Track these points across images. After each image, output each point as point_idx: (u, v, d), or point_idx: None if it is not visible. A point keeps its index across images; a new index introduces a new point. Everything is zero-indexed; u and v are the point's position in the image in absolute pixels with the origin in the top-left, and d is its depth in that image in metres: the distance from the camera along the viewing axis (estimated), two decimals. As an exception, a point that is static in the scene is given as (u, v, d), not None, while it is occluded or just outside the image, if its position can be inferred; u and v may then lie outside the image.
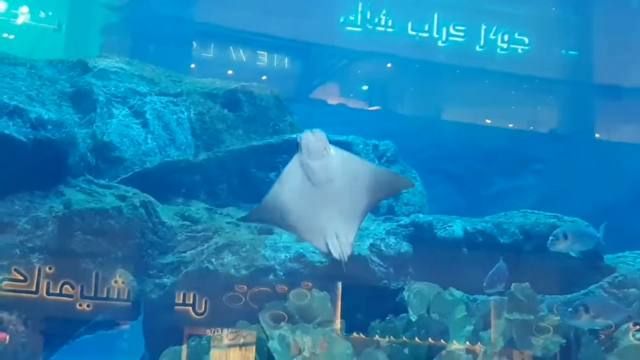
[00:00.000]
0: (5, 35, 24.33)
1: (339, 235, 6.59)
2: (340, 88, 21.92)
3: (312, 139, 6.18)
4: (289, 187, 6.48)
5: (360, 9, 21.08)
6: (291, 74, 21.68)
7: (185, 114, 10.58)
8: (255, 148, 10.56)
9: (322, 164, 6.26)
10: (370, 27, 20.89)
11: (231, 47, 21.35)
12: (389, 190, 6.85)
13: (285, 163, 10.04)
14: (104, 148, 9.90)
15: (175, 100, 10.72)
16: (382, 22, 20.92)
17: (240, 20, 19.96)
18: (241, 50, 21.49)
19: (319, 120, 17.41)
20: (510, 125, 20.30)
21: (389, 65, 21.66)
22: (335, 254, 6.61)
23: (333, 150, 6.31)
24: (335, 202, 6.48)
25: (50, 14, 24.18)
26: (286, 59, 21.77)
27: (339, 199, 6.47)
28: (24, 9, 24.52)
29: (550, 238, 8.46)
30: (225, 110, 10.96)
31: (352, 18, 21.16)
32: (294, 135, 10.65)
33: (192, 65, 20.86)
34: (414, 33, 21.28)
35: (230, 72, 21.33)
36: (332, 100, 21.26)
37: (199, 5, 19.92)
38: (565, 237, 8.45)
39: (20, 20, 24.68)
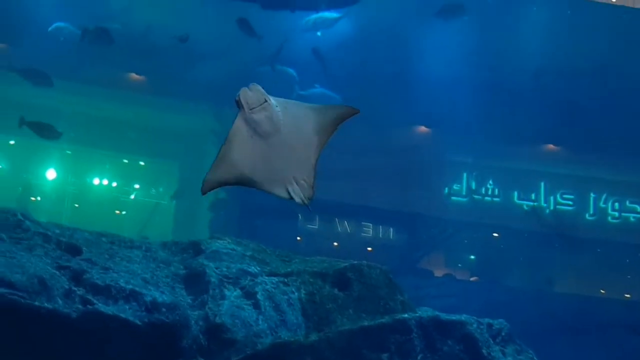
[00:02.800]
0: (117, 211, 25.37)
1: (297, 180, 6.50)
2: (445, 258, 21.76)
3: (250, 93, 6.11)
4: (237, 145, 6.35)
5: (465, 179, 21.19)
6: (396, 245, 21.67)
7: (296, 294, 10.57)
8: (366, 328, 10.40)
9: (266, 115, 6.18)
10: (477, 197, 20.88)
11: (336, 219, 21.58)
12: (334, 123, 6.49)
13: (397, 343, 9.94)
14: (216, 330, 9.90)
15: (286, 280, 10.76)
16: (489, 192, 20.90)
17: (346, 193, 20.23)
18: (346, 222, 21.67)
19: (425, 292, 17.30)
20: (627, 296, 19.64)
21: (495, 234, 21.48)
22: (298, 199, 6.49)
23: (273, 100, 6.22)
24: (287, 149, 6.37)
25: (160, 190, 25.19)
26: (391, 230, 21.82)
27: (290, 145, 6.36)
28: (137, 185, 25.65)
29: None
30: (335, 290, 10.92)
31: (457, 188, 21.24)
32: (406, 315, 10.53)
33: (298, 238, 21.15)
34: (520, 202, 21.19)
35: (335, 244, 21.52)
36: (438, 272, 21.08)
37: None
38: None
39: (132, 197, 25.77)
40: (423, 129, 21.79)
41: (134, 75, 21.82)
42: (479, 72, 19.18)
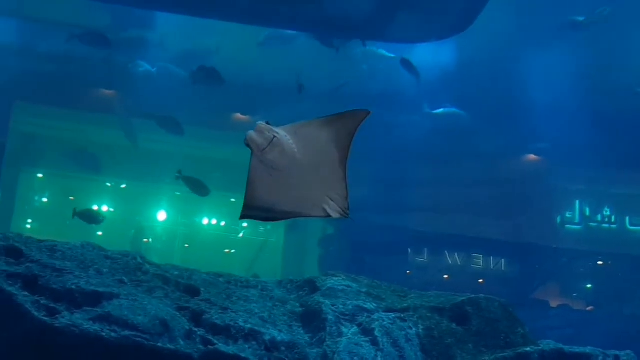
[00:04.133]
0: (227, 250, 25.75)
1: (331, 196, 6.38)
2: (561, 288, 21.24)
3: (256, 135, 5.97)
4: (259, 186, 6.25)
5: (578, 206, 20.70)
6: (508, 277, 21.28)
7: (414, 329, 10.45)
8: (488, 363, 10.22)
9: (279, 151, 6.04)
10: (592, 224, 20.35)
11: (446, 252, 21.35)
12: (350, 132, 6.28)
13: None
14: (334, 367, 9.88)
15: (403, 315, 10.66)
16: (605, 219, 20.35)
17: (456, 224, 20.03)
18: (456, 254, 21.43)
19: (541, 324, 16.88)
20: None
21: (610, 262, 20.88)
22: (336, 214, 6.39)
23: (281, 130, 6.08)
24: (311, 172, 6.25)
25: (268, 227, 25.45)
26: (502, 261, 21.46)
27: (312, 167, 6.24)
28: (245, 224, 25.99)
29: None
30: (453, 324, 10.76)
31: (569, 216, 20.76)
32: (528, 348, 10.28)
33: (408, 272, 21.00)
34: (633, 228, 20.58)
35: (445, 276, 21.28)
36: (554, 302, 20.58)
37: (414, 216, 20.17)
38: None
39: (241, 235, 26.12)
40: (533, 157, 21.45)
41: (238, 115, 22.20)
42: (590, 96, 18.78)
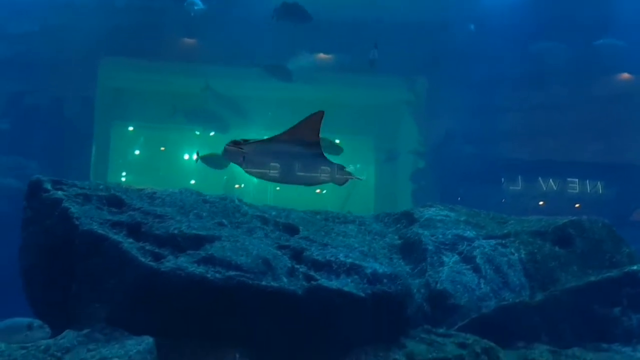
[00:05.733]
0: (317, 191, 25.85)
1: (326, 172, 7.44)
2: (662, 208, 20.70)
3: (228, 156, 7.19)
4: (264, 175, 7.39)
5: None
6: (606, 199, 20.83)
7: (516, 255, 10.34)
8: (595, 284, 10.05)
9: (256, 171, 7.21)
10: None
11: (539, 178, 20.98)
12: (312, 133, 7.29)
13: (629, 296, 9.53)
14: (438, 296, 9.87)
15: (503, 242, 10.55)
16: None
17: (549, 150, 19.65)
18: (550, 180, 21.03)
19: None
20: None
21: None
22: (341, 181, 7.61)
23: (249, 146, 7.12)
24: (295, 168, 7.29)
25: (358, 166, 25.45)
26: (599, 184, 21.00)
27: (296, 165, 7.33)
28: (335, 164, 26.02)
29: None
30: (556, 247, 10.60)
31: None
32: (635, 267, 10.08)
33: (502, 200, 20.74)
34: None
35: (541, 203, 20.94)
36: (654, 223, 20.11)
37: (507, 143, 19.84)
38: None
39: (331, 175, 26.18)
40: (626, 75, 20.77)
41: (321, 55, 22.05)
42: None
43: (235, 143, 7.62)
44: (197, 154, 18.00)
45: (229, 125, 22.05)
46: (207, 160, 17.92)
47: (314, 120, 7.44)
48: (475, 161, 19.66)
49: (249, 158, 7.42)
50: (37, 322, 9.24)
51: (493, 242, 10.56)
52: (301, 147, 7.28)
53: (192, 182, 24.31)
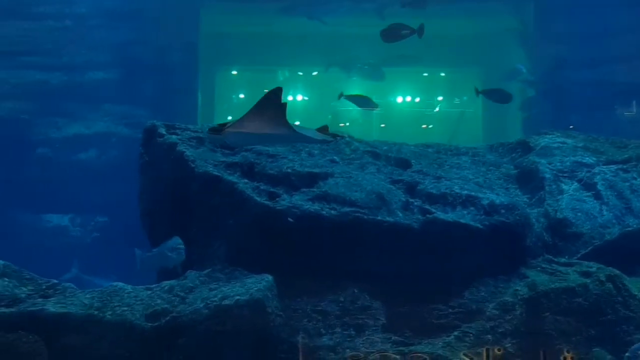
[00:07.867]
0: (424, 126, 25.57)
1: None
2: None
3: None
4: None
5: None
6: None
7: (638, 179, 9.99)
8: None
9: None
10: None
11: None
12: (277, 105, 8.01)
13: None
14: (558, 225, 9.63)
15: (625, 167, 10.19)
16: None
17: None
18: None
19: None
20: None
21: None
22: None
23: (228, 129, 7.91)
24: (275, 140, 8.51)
25: (464, 98, 24.99)
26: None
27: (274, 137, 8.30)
28: (440, 98, 25.65)
29: None
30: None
31: None
32: None
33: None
34: None
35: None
36: None
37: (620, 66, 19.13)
38: None
39: (437, 109, 25.82)
40: None
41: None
42: None
43: (213, 130, 8.27)
44: (342, 93, 18.50)
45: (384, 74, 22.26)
46: (352, 99, 19.09)
47: (273, 96, 8.11)
48: (587, 87, 19.01)
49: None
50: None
51: (614, 167, 10.21)
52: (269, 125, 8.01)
53: (297, 123, 24.34)
